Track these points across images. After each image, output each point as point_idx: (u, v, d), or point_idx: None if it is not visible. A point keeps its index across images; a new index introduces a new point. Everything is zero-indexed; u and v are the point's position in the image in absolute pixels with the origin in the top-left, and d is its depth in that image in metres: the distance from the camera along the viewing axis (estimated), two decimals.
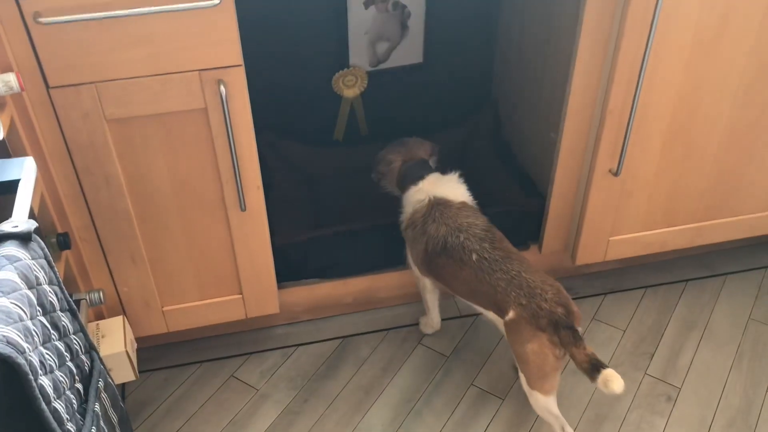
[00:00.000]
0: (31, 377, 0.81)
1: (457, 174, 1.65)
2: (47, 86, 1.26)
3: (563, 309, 1.39)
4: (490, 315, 1.51)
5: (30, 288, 0.89)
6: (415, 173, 1.66)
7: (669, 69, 1.50)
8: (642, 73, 1.46)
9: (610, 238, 1.76)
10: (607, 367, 1.32)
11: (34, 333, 0.86)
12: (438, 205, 1.58)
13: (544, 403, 1.45)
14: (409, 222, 1.63)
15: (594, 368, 1.32)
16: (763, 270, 1.98)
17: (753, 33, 1.49)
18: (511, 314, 1.42)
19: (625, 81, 1.49)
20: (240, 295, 1.64)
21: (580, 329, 1.40)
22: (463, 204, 1.60)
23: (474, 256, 1.49)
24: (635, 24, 1.41)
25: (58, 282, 0.99)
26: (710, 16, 1.45)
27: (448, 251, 1.52)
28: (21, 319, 0.84)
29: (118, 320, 1.46)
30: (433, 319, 1.79)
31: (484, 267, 1.47)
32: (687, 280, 1.96)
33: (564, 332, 1.37)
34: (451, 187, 1.63)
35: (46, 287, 0.94)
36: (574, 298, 1.87)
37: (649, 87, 1.52)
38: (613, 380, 1.30)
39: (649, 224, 1.77)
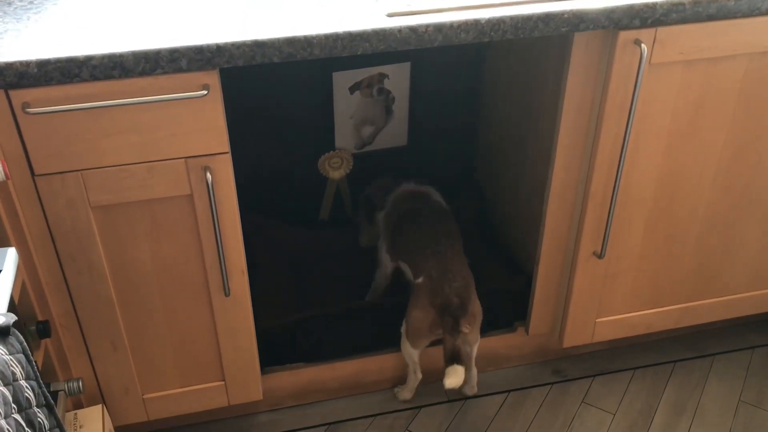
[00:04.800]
0: None
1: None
2: (33, 174, 1.26)
3: (459, 300, 1.58)
4: (409, 273, 1.72)
5: (6, 385, 0.87)
6: (390, 185, 1.94)
7: (649, 153, 1.54)
8: (622, 159, 1.49)
9: (597, 320, 1.76)
10: (461, 364, 1.53)
11: None
12: (410, 192, 1.89)
13: (410, 350, 1.68)
14: (387, 210, 1.88)
15: (450, 359, 1.54)
16: (751, 350, 1.97)
17: (728, 117, 1.54)
18: (420, 279, 1.64)
19: (606, 166, 1.52)
20: (222, 382, 1.61)
21: (466, 324, 1.57)
22: (428, 193, 1.89)
23: (421, 220, 1.76)
24: (614, 110, 1.45)
25: (36, 376, 0.96)
26: (686, 104, 1.49)
27: (407, 217, 1.79)
28: None
29: (97, 409, 1.43)
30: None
31: (424, 232, 1.73)
32: (675, 361, 1.94)
33: (447, 318, 1.56)
34: (420, 185, 1.92)
35: (23, 383, 0.92)
36: (562, 381, 1.87)
37: (629, 172, 1.54)
38: (450, 375, 1.52)
39: (634, 306, 1.77)
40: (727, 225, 1.70)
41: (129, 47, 1.18)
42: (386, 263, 1.85)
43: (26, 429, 0.90)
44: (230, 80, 1.47)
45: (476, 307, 1.63)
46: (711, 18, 1.38)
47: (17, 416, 0.88)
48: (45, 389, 0.98)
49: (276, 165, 2.03)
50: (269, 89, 1.92)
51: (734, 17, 1.39)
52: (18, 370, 0.91)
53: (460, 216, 2.13)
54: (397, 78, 1.98)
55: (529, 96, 1.72)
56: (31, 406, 0.93)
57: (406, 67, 1.97)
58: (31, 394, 0.93)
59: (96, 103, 1.20)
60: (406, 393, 1.81)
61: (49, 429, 0.98)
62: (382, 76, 1.96)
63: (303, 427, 1.77)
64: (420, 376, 1.75)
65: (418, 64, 1.98)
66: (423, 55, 1.97)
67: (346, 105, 1.97)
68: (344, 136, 2.03)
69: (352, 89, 1.95)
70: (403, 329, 1.69)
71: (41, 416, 0.96)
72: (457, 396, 1.83)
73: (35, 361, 1.05)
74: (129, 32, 1.24)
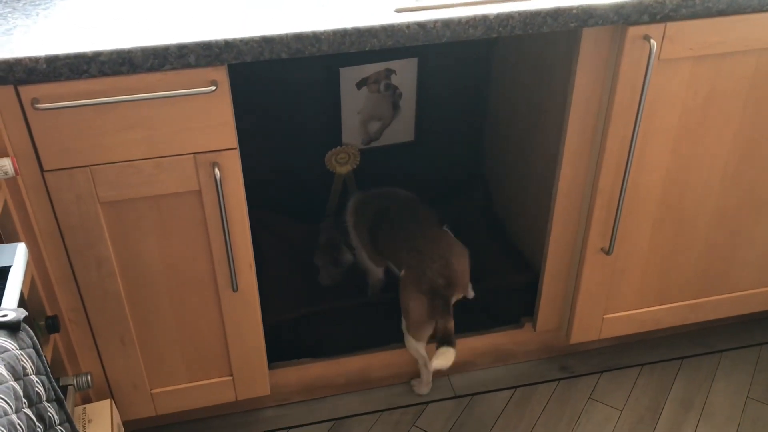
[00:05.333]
0: None
1: None
2: (42, 170, 1.27)
3: (444, 281, 1.60)
4: (395, 270, 1.74)
5: (17, 380, 0.87)
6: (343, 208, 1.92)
7: (657, 150, 1.53)
8: (631, 154, 1.48)
9: (605, 316, 1.76)
10: (452, 346, 1.55)
11: (19, 427, 0.84)
12: (364, 198, 1.89)
13: (415, 345, 1.68)
14: (353, 220, 1.87)
15: (441, 341, 1.56)
16: (759, 347, 1.96)
17: (737, 113, 1.53)
18: (402, 272, 1.67)
19: (614, 162, 1.51)
20: (230, 377, 1.61)
21: (456, 298, 1.62)
22: (381, 192, 1.90)
23: (389, 217, 1.77)
24: (622, 107, 1.45)
25: (46, 371, 0.97)
26: (695, 98, 1.49)
27: (375, 220, 1.80)
28: (6, 414, 0.82)
29: (106, 404, 1.43)
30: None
31: (392, 227, 1.75)
32: (683, 358, 1.94)
33: (437, 302, 1.58)
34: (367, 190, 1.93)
35: (33, 377, 0.92)
36: (569, 377, 1.87)
37: (638, 167, 1.54)
38: (439, 356, 1.55)
39: (642, 302, 1.76)
40: (735, 221, 1.70)
41: (137, 43, 1.18)
42: (373, 269, 1.87)
43: (37, 423, 0.90)
44: (238, 76, 1.47)
45: (465, 273, 1.68)
46: (721, 13, 1.37)
47: (28, 411, 0.88)
48: (55, 384, 0.98)
49: (283, 160, 2.03)
50: (276, 85, 1.92)
51: (744, 12, 1.38)
52: (29, 365, 0.91)
53: (467, 210, 2.13)
54: (405, 74, 1.97)
55: (537, 92, 1.72)
56: (41, 401, 0.93)
57: (413, 62, 1.96)
58: (42, 389, 0.94)
59: (104, 99, 1.21)
60: (423, 388, 1.82)
61: (59, 423, 0.98)
62: (390, 72, 1.96)
63: (309, 423, 1.77)
64: (432, 368, 1.76)
65: (426, 60, 1.97)
66: (430, 51, 1.96)
67: (353, 100, 1.97)
68: (351, 132, 2.03)
69: (359, 85, 1.95)
70: (404, 326, 1.69)
71: (51, 411, 0.96)
72: (465, 392, 1.83)
73: (45, 356, 1.06)
74: (137, 28, 1.24)
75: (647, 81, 1.40)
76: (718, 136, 1.55)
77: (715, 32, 1.40)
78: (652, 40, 1.37)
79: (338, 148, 2.02)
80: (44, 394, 0.95)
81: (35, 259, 1.34)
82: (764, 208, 1.69)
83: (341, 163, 2.05)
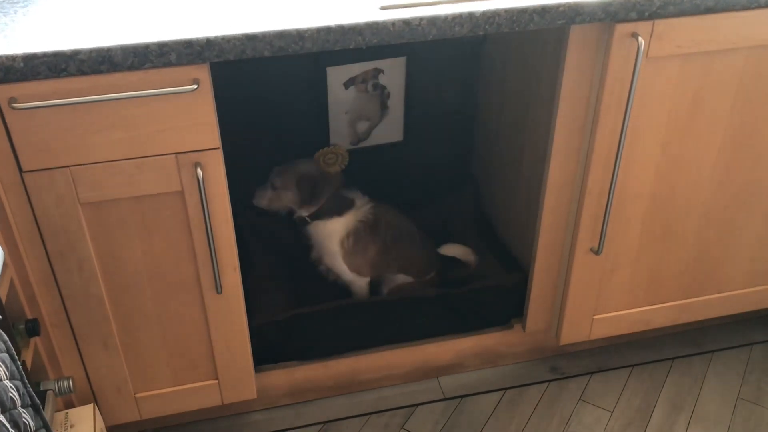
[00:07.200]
0: None
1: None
2: (20, 170, 1.24)
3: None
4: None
5: None
6: (344, 201, 1.85)
7: (646, 148, 1.52)
8: (619, 153, 1.47)
9: (594, 317, 1.74)
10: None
11: None
12: (381, 210, 1.84)
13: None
14: (351, 233, 1.82)
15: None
16: (750, 347, 1.95)
17: (726, 111, 1.52)
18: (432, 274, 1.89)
19: (603, 161, 1.50)
20: (216, 380, 1.59)
21: None
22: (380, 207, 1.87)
23: (405, 227, 1.87)
24: (611, 105, 1.43)
25: (21, 376, 0.95)
26: (684, 96, 1.47)
27: (403, 236, 1.86)
28: None
29: (89, 409, 1.41)
30: None
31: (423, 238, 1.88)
32: (673, 358, 1.93)
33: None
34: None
35: (7, 383, 0.90)
36: (559, 379, 1.86)
37: (626, 167, 1.53)
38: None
39: (632, 302, 1.75)
40: (725, 220, 1.68)
41: (117, 41, 1.16)
42: (355, 280, 1.86)
43: (10, 430, 0.88)
44: (222, 74, 1.45)
45: None
46: (709, 10, 1.36)
47: (1, 416, 0.86)
48: (30, 389, 0.96)
49: (270, 161, 2.00)
50: (263, 84, 1.90)
51: (733, 10, 1.37)
52: (2, 370, 0.89)
53: (456, 210, 2.12)
54: (393, 73, 1.96)
55: (525, 90, 1.70)
56: (15, 407, 0.91)
57: (401, 61, 1.95)
58: (16, 395, 0.92)
59: (84, 98, 1.18)
60: None
61: (35, 430, 0.96)
62: (377, 71, 1.94)
63: (297, 426, 1.75)
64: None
65: (414, 59, 1.96)
66: (418, 50, 1.95)
67: (341, 100, 1.96)
68: (339, 132, 2.01)
69: (347, 84, 1.93)
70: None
71: (26, 417, 0.94)
72: (454, 394, 1.81)
73: (23, 360, 1.04)
74: (118, 26, 1.22)
75: (635, 79, 1.38)
76: (707, 134, 1.54)
77: (703, 30, 1.38)
78: (640, 38, 1.35)
79: (326, 148, 2.00)
80: (19, 400, 0.93)
81: (14, 262, 1.32)
82: (754, 207, 1.68)
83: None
